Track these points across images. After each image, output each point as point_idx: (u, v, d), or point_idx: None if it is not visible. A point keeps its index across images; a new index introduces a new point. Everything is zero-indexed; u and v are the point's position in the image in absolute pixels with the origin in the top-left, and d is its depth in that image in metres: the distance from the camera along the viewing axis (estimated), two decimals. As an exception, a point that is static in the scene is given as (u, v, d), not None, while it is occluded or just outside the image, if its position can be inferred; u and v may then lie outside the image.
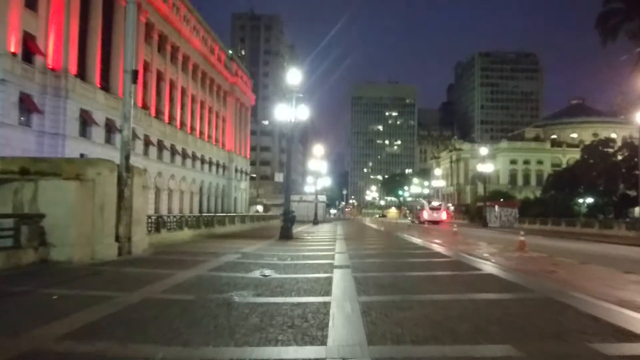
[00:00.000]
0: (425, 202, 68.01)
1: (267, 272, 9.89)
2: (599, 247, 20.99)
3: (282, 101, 23.54)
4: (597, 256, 15.39)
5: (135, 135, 43.16)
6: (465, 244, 19.78)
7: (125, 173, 12.12)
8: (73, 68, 34.70)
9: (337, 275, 9.25)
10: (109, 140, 39.26)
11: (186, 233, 19.21)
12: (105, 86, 39.63)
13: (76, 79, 34.94)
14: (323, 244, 19.26)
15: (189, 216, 22.44)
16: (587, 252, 17.41)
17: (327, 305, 6.24)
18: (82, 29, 35.68)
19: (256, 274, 9.56)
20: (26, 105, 31.21)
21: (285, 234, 21.51)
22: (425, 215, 60.50)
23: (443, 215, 62.05)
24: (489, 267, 10.79)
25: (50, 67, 33.03)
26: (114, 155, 37.77)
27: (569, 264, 12.05)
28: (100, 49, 38.54)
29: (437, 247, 17.04)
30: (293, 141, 23.72)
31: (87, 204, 10.88)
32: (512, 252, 15.67)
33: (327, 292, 7.29)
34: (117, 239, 11.85)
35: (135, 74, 12.62)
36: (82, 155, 35.08)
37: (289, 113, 22.20)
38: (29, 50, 31.51)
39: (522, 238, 16.40)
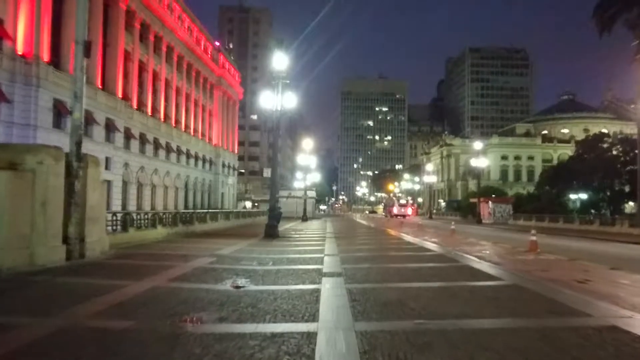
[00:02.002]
0: (395, 200, 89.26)
1: (241, 281, 8.10)
2: (612, 247, 19.41)
3: (268, 88, 21.72)
4: (621, 259, 13.75)
5: (115, 128, 41.07)
6: (467, 244, 18.08)
7: (76, 162, 10.24)
8: (45, 55, 32.45)
9: (327, 287, 7.48)
10: (86, 132, 37.05)
11: (160, 232, 17.28)
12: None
13: (49, 66, 32.68)
14: (311, 243, 17.47)
15: (164, 213, 20.52)
16: (604, 253, 15.80)
17: (312, 338, 4.46)
18: (55, 13, 33.37)
19: (227, 284, 7.76)
20: (-7, 94, 29.00)
21: (271, 233, 19.72)
22: (395, 210, 78.68)
23: (409, 211, 79.81)
24: (507, 274, 9.07)
25: (19, 53, 30.78)
26: (95, 150, 35.57)
27: (598, 270, 10.37)
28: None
29: (437, 248, 15.32)
30: (280, 132, 21.87)
31: (23, 199, 8.98)
32: (523, 253, 13.99)
33: (313, 315, 5.50)
34: (66, 240, 9.97)
35: (87, 45, 10.71)
36: (56, 148, 32.93)
37: (274, 101, 20.38)
38: (-4, 34, 29.28)
39: (533, 238, 14.69)
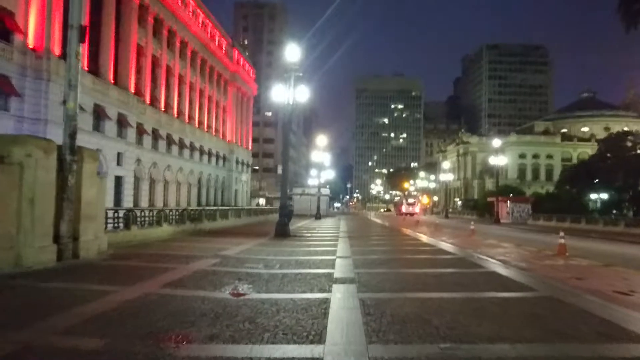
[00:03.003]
0: (403, 199, 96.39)
1: (242, 288, 7.31)
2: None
3: (281, 82, 20.90)
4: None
5: (127, 123, 40.65)
6: (488, 245, 17.07)
7: (69, 156, 9.52)
8: (57, 49, 32.01)
9: (338, 297, 6.63)
10: (97, 128, 36.70)
11: (165, 230, 16.58)
12: (94, 69, 36.95)
13: (60, 60, 32.20)
14: (323, 243, 16.63)
15: (170, 210, 19.80)
16: (637, 257, 14.65)
17: (316, 368, 3.63)
18: (67, 6, 32.82)
19: (226, 292, 6.96)
20: (3, 88, 28.63)
21: (281, 231, 18.92)
22: (404, 208, 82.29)
23: (417, 209, 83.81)
24: (539, 283, 8.14)
25: (30, 47, 30.39)
26: (107, 145, 35.27)
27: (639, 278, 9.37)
28: (89, 28, 35.79)
29: (457, 251, 14.37)
30: (291, 125, 21.04)
31: (9, 195, 8.28)
32: (551, 257, 12.98)
33: (320, 335, 4.67)
34: (58, 239, 9.27)
35: (83, 30, 10.00)
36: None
37: (287, 94, 19.56)
38: (7, 27, 28.86)
39: (562, 241, 13.66)
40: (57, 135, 30.94)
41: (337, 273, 8.95)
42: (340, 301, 6.38)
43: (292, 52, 19.77)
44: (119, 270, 8.97)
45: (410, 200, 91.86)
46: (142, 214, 16.12)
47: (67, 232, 9.43)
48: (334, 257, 11.66)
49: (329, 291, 7.09)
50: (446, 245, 16.15)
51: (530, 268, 10.34)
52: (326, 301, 6.30)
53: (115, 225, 13.64)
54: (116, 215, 13.77)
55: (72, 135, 9.58)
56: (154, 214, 16.84)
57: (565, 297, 6.70)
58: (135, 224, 14.63)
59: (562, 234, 14.07)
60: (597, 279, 9.13)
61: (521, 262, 11.48)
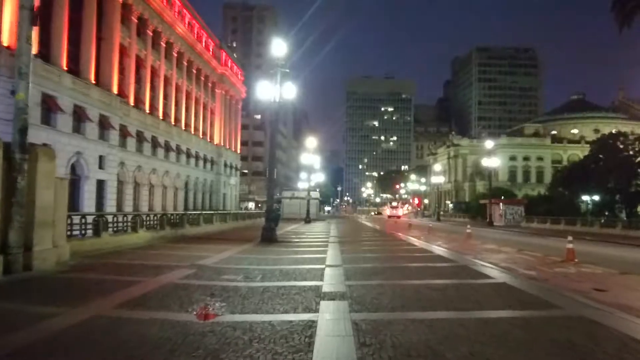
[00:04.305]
0: (388, 203, 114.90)
1: (213, 306, 6.17)
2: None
3: (267, 78, 19.80)
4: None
5: (110, 125, 39.21)
6: (488, 251, 15.99)
7: (19, 154, 8.33)
8: (33, 47, 30.61)
9: (326, 319, 5.50)
10: (77, 129, 35.27)
11: (141, 236, 15.32)
12: (74, 69, 35.54)
13: (37, 58, 30.84)
14: (312, 249, 15.47)
15: (147, 215, 18.50)
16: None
17: None
18: (44, 2, 31.53)
19: (193, 313, 5.80)
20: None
21: (267, 237, 17.78)
22: (388, 212, 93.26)
23: (400, 212, 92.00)
24: (560, 297, 7.06)
25: (5, 44, 28.96)
26: (88, 148, 33.81)
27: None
28: (68, 26, 34.43)
29: (456, 257, 13.28)
30: (278, 124, 19.96)
31: (-60, 199, 7.07)
32: (560, 264, 11.91)
33: (302, 380, 3.54)
34: (5, 249, 8.06)
35: (35, 11, 8.81)
36: (44, 146, 31.33)
37: (273, 91, 18.44)
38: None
39: (570, 246, 12.60)
40: (33, 137, 29.56)
41: (326, 286, 7.82)
42: (329, 325, 5.25)
43: (278, 46, 18.69)
44: (74, 285, 7.78)
45: (394, 204, 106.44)
46: (115, 219, 14.84)
47: (16, 241, 8.22)
48: (322, 266, 10.53)
49: (316, 310, 5.97)
50: (443, 251, 15.06)
51: (542, 277, 9.27)
52: (312, 325, 5.17)
53: (82, 232, 12.40)
54: (83, 221, 12.52)
55: (22, 131, 8.39)
56: (129, 219, 15.56)
57: (598, 316, 5.62)
58: (107, 230, 13.36)
59: (570, 238, 12.99)
60: (621, 290, 8.08)
61: (530, 270, 10.40)
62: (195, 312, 5.79)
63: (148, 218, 17.31)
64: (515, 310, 6.05)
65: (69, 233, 11.44)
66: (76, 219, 12.23)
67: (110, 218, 14.24)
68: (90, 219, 12.99)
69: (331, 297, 6.87)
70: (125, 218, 15.59)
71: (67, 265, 9.55)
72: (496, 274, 9.44)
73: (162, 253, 12.84)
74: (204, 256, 12.17)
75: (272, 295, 7.00)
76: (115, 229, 14.33)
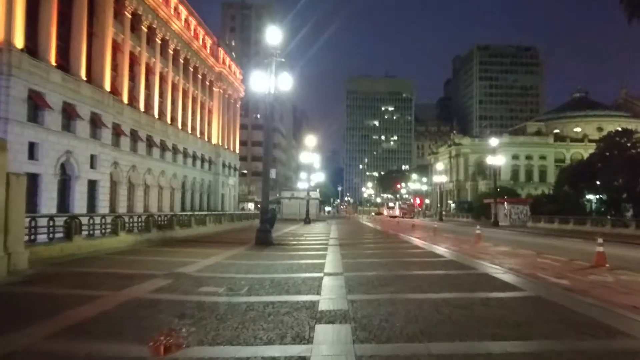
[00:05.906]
0: (385, 204, 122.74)
1: (178, 334, 4.76)
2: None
3: (261, 69, 18.42)
4: None
5: (102, 123, 37.83)
6: (504, 254, 14.52)
7: (-44, 144, 6.91)
8: (19, 41, 29.24)
9: (322, 355, 4.11)
10: (67, 127, 33.89)
11: (123, 239, 13.92)
12: (64, 65, 34.16)
13: (23, 53, 29.50)
14: (310, 253, 14.05)
15: (131, 216, 17.04)
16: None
17: None
18: (31, -4, 30.18)
19: (144, 348, 4.40)
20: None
21: (262, 239, 16.40)
22: (385, 212, 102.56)
23: (397, 212, 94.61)
24: (614, 315, 5.68)
25: (-12, 39, 27.61)
26: (79, 146, 32.49)
27: None
28: (58, 20, 33.02)
29: (471, 262, 11.88)
30: (273, 117, 18.54)
31: None
32: (591, 270, 10.48)
33: None
34: (-63, 259, 6.66)
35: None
36: (32, 144, 30.10)
37: (268, 82, 17.06)
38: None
39: (600, 249, 11.17)
40: (20, 135, 28.23)
41: (324, 302, 6.43)
42: (326, 366, 3.86)
43: (273, 34, 17.31)
44: (12, 302, 6.40)
45: (390, 204, 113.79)
46: (92, 221, 13.43)
47: (-49, 249, 6.82)
48: (320, 275, 9.14)
49: (309, 340, 4.58)
50: (455, 255, 13.67)
51: (580, 288, 7.85)
52: (303, 365, 3.79)
53: (50, 236, 11.01)
54: (51, 223, 11.11)
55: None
56: (108, 220, 14.15)
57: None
58: (79, 233, 11.96)
59: (600, 240, 11.53)
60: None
61: (560, 279, 8.96)
62: (147, 346, 4.39)
63: (132, 220, 15.88)
64: (573, 340, 4.62)
65: (32, 237, 10.08)
66: (42, 222, 10.85)
67: (85, 220, 12.81)
68: (57, 220, 11.55)
69: (330, 318, 5.48)
70: (103, 220, 14.18)
71: (22, 276, 8.17)
72: (525, 284, 8.03)
73: (142, 259, 11.45)
74: (187, 262, 10.78)
75: (257, 317, 5.61)
76: (91, 232, 12.93)
